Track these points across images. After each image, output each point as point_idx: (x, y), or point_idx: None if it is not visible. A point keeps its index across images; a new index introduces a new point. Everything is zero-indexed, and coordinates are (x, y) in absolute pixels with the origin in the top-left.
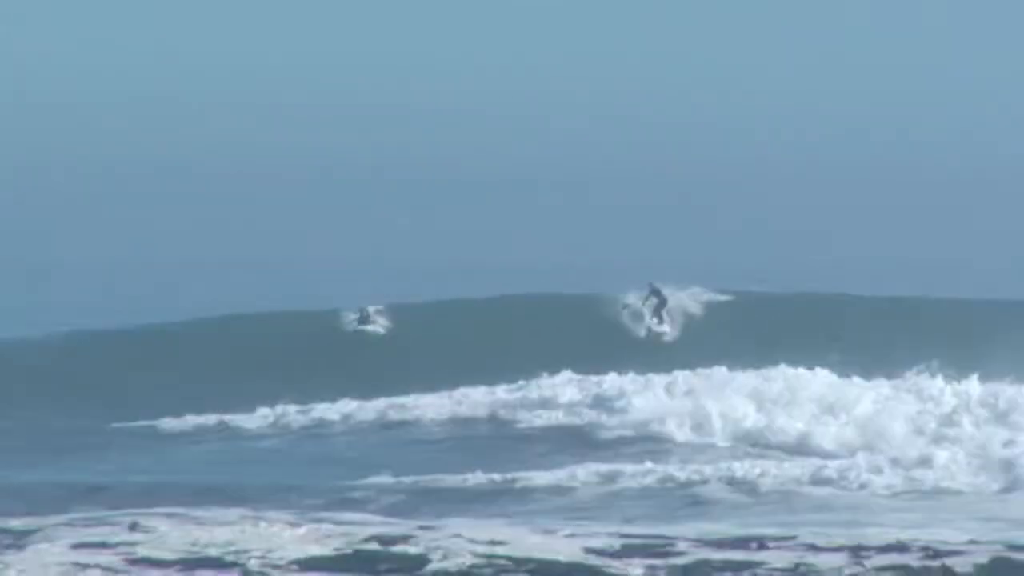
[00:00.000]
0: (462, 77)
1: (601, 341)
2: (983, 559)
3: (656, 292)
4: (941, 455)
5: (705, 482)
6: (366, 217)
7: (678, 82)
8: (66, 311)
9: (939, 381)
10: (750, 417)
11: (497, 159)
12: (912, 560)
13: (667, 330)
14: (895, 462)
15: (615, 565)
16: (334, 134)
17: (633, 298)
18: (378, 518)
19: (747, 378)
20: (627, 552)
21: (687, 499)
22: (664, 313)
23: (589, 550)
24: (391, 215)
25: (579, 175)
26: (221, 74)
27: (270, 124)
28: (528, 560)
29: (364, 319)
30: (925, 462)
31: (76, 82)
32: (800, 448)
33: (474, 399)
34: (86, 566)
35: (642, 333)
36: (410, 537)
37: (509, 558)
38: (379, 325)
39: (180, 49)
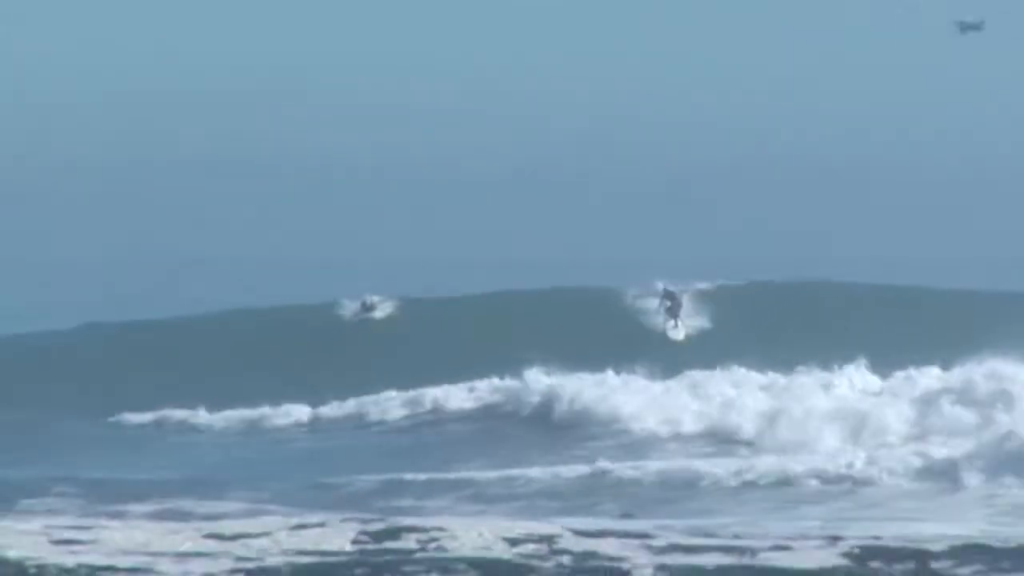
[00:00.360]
0: (462, 77)
1: (600, 337)
2: (958, 543)
3: (670, 295)
4: (928, 448)
5: (689, 475)
6: (366, 217)
7: (678, 82)
8: (66, 309)
9: (930, 374)
10: (738, 412)
11: (497, 159)
12: (889, 543)
13: (681, 337)
14: (883, 455)
15: (600, 544)
16: (334, 134)
17: (635, 292)
18: (368, 511)
19: (740, 374)
20: (608, 534)
21: (673, 492)
22: (681, 313)
23: (573, 530)
24: (391, 215)
25: (579, 174)
26: (221, 74)
27: (270, 124)
28: (514, 539)
29: (368, 308)
30: (911, 455)
31: (76, 82)
32: (787, 442)
33: (462, 392)
34: (78, 551)
35: (655, 335)
36: (399, 524)
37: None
38: (385, 307)
39: (180, 49)
